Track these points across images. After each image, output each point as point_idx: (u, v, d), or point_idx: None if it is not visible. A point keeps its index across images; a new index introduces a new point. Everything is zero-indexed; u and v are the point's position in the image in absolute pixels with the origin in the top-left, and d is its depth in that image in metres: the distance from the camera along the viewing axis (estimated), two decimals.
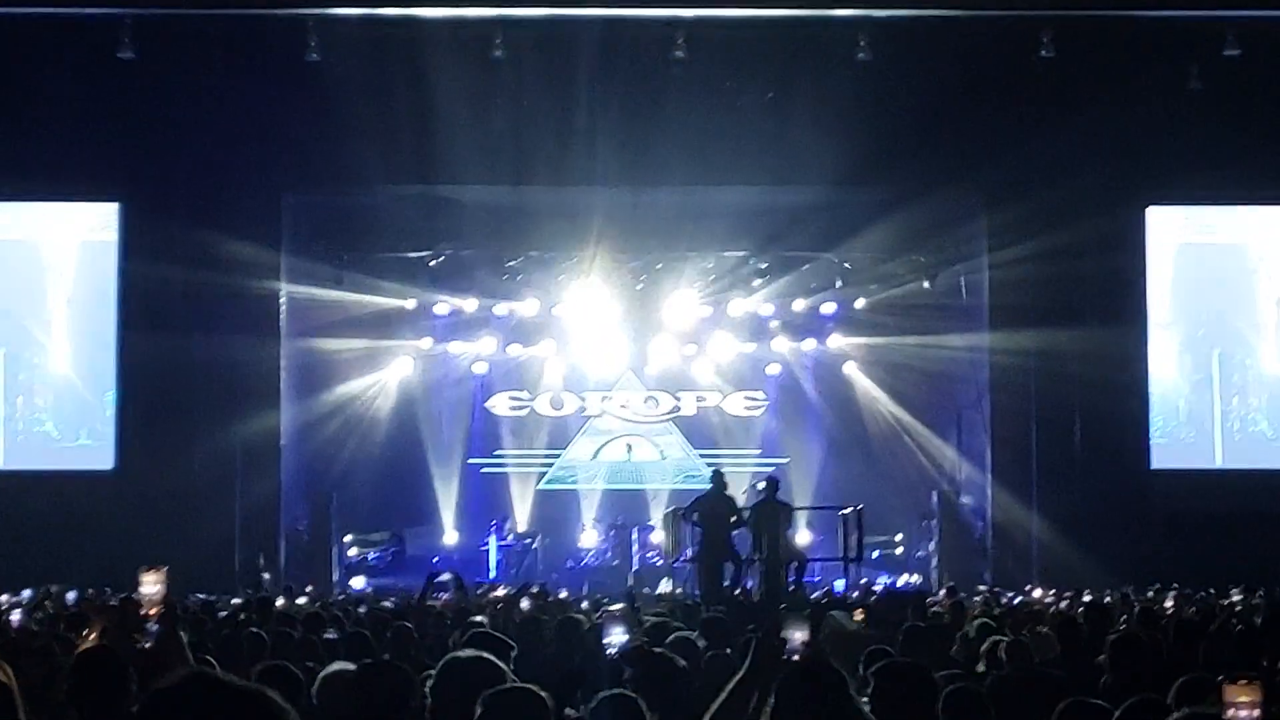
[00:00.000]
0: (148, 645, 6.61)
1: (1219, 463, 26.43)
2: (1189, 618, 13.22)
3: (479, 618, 11.54)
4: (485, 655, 5.56)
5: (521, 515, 30.33)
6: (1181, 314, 26.73)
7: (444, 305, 29.91)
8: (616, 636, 7.76)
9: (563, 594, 20.66)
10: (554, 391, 31.27)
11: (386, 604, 17.30)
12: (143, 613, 6.74)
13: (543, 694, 5.11)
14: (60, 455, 25.38)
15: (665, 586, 24.27)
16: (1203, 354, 26.70)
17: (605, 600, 17.54)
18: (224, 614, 15.03)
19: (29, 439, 25.62)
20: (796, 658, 5.72)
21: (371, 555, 28.56)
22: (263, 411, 25.54)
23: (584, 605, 17.10)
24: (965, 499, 27.76)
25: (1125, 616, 14.14)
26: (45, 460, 25.31)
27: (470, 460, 30.55)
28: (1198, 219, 27.03)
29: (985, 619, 12.48)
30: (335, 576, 26.61)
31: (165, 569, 6.81)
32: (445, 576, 16.89)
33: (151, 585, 6.67)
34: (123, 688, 6.30)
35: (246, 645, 10.11)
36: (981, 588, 23.04)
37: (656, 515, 28.96)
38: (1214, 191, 26.06)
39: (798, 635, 5.83)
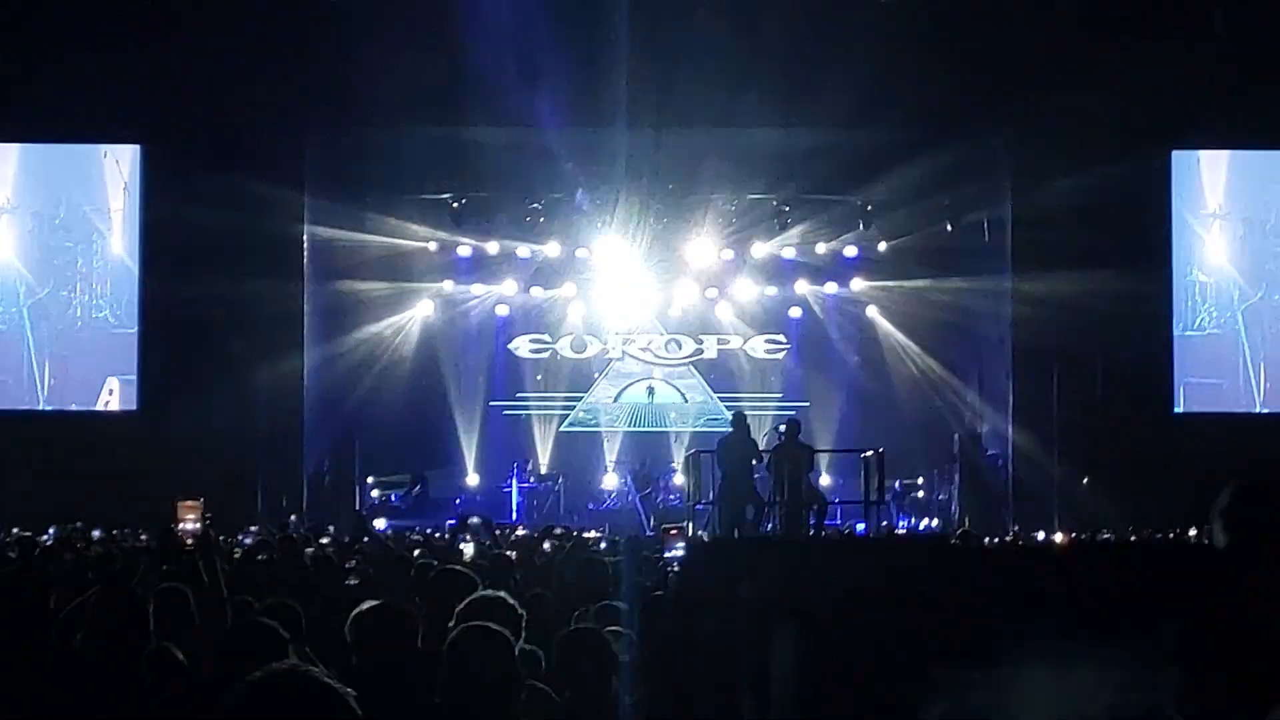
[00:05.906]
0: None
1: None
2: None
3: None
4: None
5: (543, 457, 30.39)
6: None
7: (466, 247, 29.85)
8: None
9: (591, 533, 20.60)
10: (576, 334, 31.24)
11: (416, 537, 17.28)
12: (183, 544, 6.83)
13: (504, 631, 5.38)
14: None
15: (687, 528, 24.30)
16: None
17: (620, 539, 17.60)
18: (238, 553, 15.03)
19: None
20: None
21: (393, 497, 28.63)
22: (285, 353, 25.61)
23: (603, 546, 17.11)
24: (986, 443, 27.73)
25: None
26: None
27: (492, 402, 30.56)
28: None
29: None
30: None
31: (201, 500, 6.90)
32: (475, 519, 16.90)
33: (191, 518, 6.80)
34: (140, 630, 6.34)
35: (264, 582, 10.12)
36: (1002, 531, 23.02)
37: (678, 458, 29.03)
38: (1239, 135, 25.89)
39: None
